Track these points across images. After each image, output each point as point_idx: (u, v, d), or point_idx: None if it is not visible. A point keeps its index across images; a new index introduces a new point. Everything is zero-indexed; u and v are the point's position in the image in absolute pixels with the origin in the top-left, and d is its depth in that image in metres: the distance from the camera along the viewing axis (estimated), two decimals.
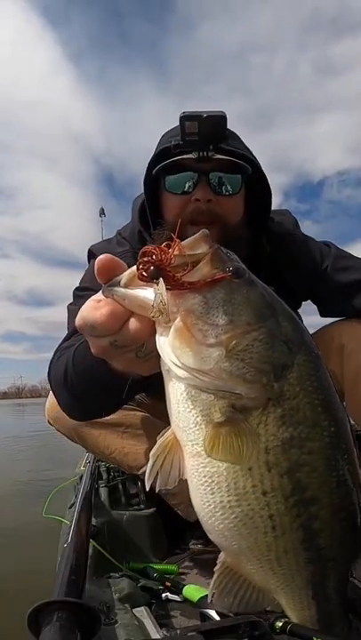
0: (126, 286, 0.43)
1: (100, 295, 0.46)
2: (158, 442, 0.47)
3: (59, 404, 0.89)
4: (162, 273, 0.41)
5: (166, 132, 0.96)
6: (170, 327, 0.42)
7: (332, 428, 0.45)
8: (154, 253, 0.41)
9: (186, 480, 0.48)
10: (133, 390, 0.64)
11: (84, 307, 0.48)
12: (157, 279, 0.41)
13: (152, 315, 0.41)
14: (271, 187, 0.99)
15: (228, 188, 0.91)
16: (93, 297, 0.48)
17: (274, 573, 0.47)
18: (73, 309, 1.00)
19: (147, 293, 0.41)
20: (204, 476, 0.44)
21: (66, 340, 0.88)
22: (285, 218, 1.12)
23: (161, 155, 0.91)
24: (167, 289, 0.41)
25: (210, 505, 0.45)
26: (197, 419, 0.43)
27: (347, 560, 0.49)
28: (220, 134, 0.87)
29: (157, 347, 0.44)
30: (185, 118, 0.84)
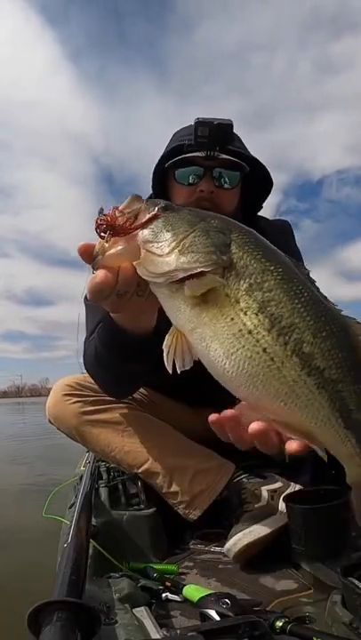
0: (102, 253, 0.59)
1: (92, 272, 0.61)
2: (166, 337, 0.58)
3: (98, 385, 1.05)
4: (110, 227, 0.57)
5: (178, 131, 1.13)
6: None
7: (280, 269, 0.55)
8: (102, 219, 0.57)
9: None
10: (149, 356, 0.77)
11: (86, 285, 0.61)
12: (107, 232, 0.57)
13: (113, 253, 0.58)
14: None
15: (228, 182, 1.07)
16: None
17: (299, 409, 0.53)
18: (89, 304, 1.08)
19: (113, 249, 0.58)
20: (204, 340, 0.54)
21: (90, 334, 0.98)
22: None
23: (174, 151, 1.07)
24: (120, 236, 0.57)
25: (219, 360, 0.54)
26: (184, 304, 0.55)
27: (355, 382, 0.53)
28: (227, 138, 1.04)
29: (141, 276, 0.57)
30: (198, 124, 1.00)
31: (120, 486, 1.15)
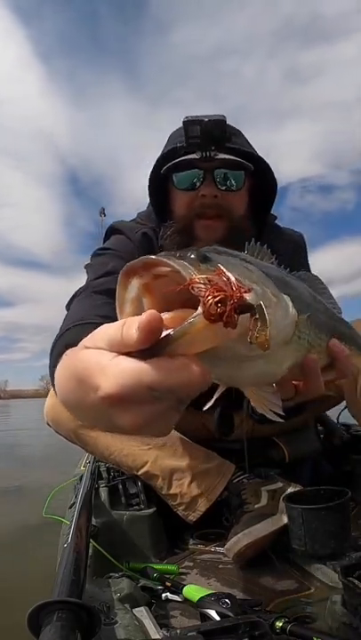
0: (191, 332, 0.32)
1: (157, 359, 0.31)
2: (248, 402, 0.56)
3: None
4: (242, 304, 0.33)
5: (173, 133, 1.04)
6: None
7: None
8: (218, 293, 0.32)
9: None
10: None
11: (139, 371, 0.31)
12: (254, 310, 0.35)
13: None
14: None
15: (233, 183, 0.97)
16: (143, 363, 0.31)
17: None
18: (95, 262, 1.02)
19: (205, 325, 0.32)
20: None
21: (85, 288, 0.90)
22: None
23: (168, 154, 0.99)
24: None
25: None
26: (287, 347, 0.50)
27: None
28: (221, 136, 0.94)
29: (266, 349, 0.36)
30: (188, 123, 0.93)
31: (120, 486, 1.15)
